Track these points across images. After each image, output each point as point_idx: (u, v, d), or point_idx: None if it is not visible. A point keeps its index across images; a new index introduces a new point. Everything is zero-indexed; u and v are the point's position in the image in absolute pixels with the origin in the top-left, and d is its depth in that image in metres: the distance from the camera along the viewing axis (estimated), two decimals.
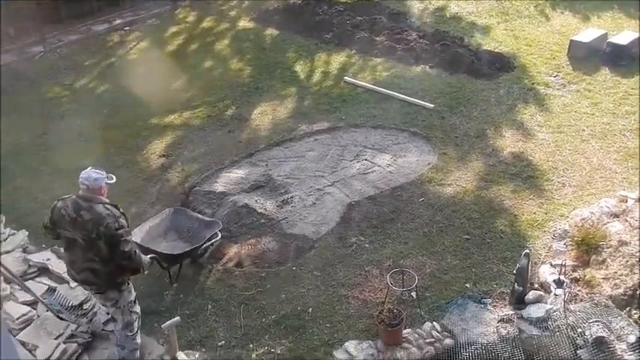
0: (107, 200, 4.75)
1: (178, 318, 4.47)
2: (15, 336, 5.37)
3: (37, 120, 9.06)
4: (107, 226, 4.56)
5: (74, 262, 4.82)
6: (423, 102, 8.94)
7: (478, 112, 8.69)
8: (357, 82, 9.65)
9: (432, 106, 8.84)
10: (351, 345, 5.23)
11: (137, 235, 5.84)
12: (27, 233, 6.70)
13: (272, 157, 8.03)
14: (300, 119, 8.77)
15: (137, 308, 5.04)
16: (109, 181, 4.79)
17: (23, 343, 5.44)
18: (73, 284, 6.01)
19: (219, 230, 6.27)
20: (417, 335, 5.25)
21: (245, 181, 7.54)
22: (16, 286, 5.99)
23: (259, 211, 6.95)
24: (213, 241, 6.18)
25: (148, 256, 5.40)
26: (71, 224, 4.69)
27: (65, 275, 6.06)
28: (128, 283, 4.91)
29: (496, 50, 10.58)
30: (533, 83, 9.44)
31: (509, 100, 9.00)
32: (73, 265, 4.84)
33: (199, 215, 6.58)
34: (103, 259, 4.67)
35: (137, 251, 4.80)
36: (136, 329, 4.99)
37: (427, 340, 5.19)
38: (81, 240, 4.68)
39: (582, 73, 9.58)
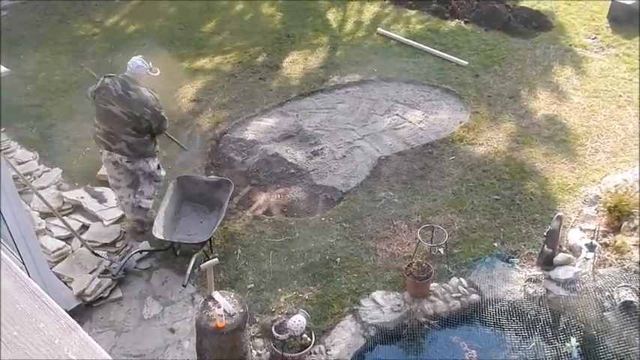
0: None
1: (216, 259, 4.58)
2: (51, 268, 5.54)
3: (69, 57, 9.07)
4: (153, 107, 5.42)
5: (112, 134, 5.45)
6: (456, 58, 8.80)
7: (513, 72, 8.54)
8: (391, 34, 9.49)
9: (466, 63, 8.70)
10: (378, 294, 5.35)
11: (158, 230, 5.46)
12: (61, 171, 6.83)
13: (303, 107, 8.00)
14: (332, 70, 8.69)
15: (162, 172, 5.97)
16: (151, 73, 5.54)
17: (59, 276, 5.63)
18: (107, 222, 6.18)
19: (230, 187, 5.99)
20: (443, 289, 5.35)
21: (275, 130, 7.55)
22: (51, 222, 6.16)
23: (289, 160, 6.98)
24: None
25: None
26: (117, 100, 5.35)
27: (99, 214, 6.24)
28: (155, 154, 5.75)
29: (534, 8, 10.28)
30: (570, 44, 9.21)
31: (545, 60, 8.81)
32: (110, 137, 5.47)
33: (204, 177, 6.31)
34: (140, 133, 5.45)
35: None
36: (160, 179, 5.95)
37: (454, 295, 5.30)
38: (123, 115, 5.36)
39: (622, 36, 9.30)
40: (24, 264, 4.93)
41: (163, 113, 5.60)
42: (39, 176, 6.80)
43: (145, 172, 5.76)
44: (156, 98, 5.54)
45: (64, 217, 6.01)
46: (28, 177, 6.70)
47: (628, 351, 4.65)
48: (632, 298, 4.79)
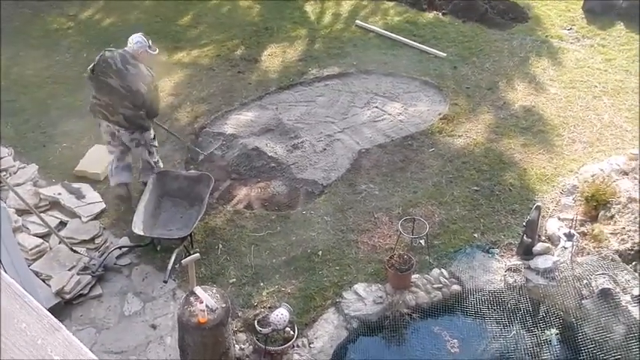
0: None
1: (198, 254, 4.54)
2: (29, 266, 5.45)
3: (42, 51, 8.89)
4: (149, 84, 5.63)
5: (110, 106, 5.64)
6: (435, 50, 8.82)
7: (490, 64, 8.60)
8: (369, 26, 9.48)
9: (444, 55, 8.74)
10: (360, 287, 5.37)
11: (138, 226, 5.42)
12: (37, 167, 6.71)
13: (282, 100, 7.96)
14: (311, 63, 8.66)
15: (155, 142, 6.12)
16: (150, 51, 5.76)
17: (37, 273, 5.55)
18: (85, 219, 6.10)
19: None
20: (425, 280, 5.39)
21: (255, 124, 7.50)
22: (28, 219, 6.06)
23: (269, 154, 6.95)
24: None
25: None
26: (116, 73, 5.55)
27: (77, 210, 6.16)
28: (150, 126, 5.94)
29: None
30: (546, 36, 9.30)
31: (522, 52, 8.88)
32: (109, 109, 5.65)
33: (184, 172, 6.28)
34: (137, 107, 5.61)
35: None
36: (156, 154, 6.16)
37: (435, 286, 5.34)
38: (121, 89, 5.55)
39: (597, 27, 9.42)
40: (0, 262, 4.84)
41: (157, 93, 5.87)
42: (14, 173, 6.67)
43: (141, 142, 5.94)
44: (152, 76, 5.73)
45: (42, 214, 5.92)
46: (4, 173, 6.58)
47: (606, 337, 4.73)
48: (610, 286, 4.88)
